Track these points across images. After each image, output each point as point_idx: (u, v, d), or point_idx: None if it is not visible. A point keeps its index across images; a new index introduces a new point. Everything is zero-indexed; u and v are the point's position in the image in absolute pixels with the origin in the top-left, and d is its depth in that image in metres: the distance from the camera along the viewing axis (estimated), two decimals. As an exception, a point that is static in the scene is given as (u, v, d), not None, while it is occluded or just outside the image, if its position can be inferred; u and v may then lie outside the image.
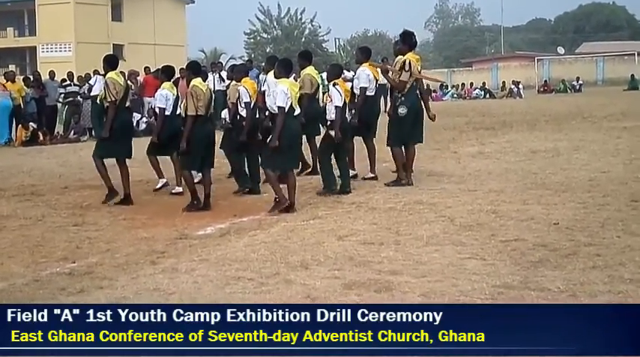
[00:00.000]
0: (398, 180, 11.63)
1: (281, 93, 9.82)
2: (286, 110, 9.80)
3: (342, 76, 12.02)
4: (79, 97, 22.89)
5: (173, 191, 12.02)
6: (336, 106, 11.15)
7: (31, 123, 21.60)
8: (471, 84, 45.39)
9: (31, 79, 23.67)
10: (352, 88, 12.21)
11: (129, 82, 13.56)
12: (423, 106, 12.01)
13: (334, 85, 11.36)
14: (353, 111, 11.77)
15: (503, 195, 10.52)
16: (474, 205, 9.86)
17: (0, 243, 8.76)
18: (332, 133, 11.19)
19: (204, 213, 10.20)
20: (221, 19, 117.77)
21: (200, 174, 11.08)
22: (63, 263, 7.71)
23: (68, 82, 23.73)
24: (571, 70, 55.91)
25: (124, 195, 11.15)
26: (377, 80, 12.41)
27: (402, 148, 11.70)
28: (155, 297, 6.38)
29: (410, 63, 11.37)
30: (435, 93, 41.51)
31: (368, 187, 11.45)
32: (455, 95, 41.90)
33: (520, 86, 43.68)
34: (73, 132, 22.55)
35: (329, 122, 11.37)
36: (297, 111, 10.09)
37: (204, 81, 10.64)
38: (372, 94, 12.37)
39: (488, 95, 42.80)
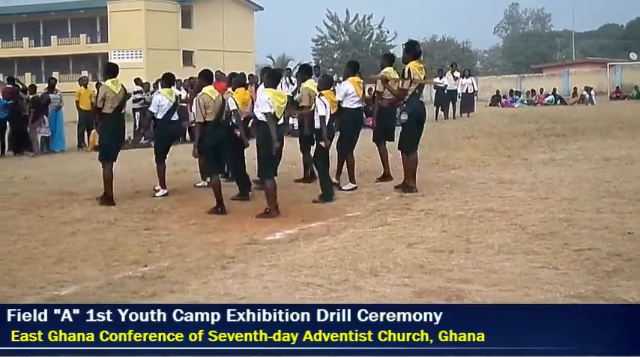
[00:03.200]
0: (405, 185, 11.81)
1: (264, 102, 10.29)
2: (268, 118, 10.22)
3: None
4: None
5: (198, 184, 12.97)
6: (320, 116, 11.55)
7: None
8: (542, 90, 44.76)
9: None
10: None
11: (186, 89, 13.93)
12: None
13: (320, 95, 11.73)
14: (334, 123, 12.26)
15: (576, 203, 10.33)
16: (546, 213, 9.70)
17: (74, 246, 8.93)
18: (322, 143, 11.60)
19: (273, 219, 10.22)
20: (289, 25, 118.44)
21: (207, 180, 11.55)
22: (135, 267, 7.82)
23: (139, 88, 24.06)
24: (644, 76, 54.77)
25: (104, 194, 11.76)
26: (361, 95, 12.75)
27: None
28: (225, 301, 6.41)
29: (410, 71, 11.58)
30: (505, 99, 41.02)
31: (437, 195, 11.34)
32: (525, 101, 41.33)
33: (592, 92, 42.94)
34: (144, 137, 22.85)
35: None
36: (281, 121, 10.53)
37: (276, 86, 10.73)
38: (354, 107, 12.58)
39: (559, 101, 42.15)
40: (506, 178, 12.80)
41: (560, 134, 21.42)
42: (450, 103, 29.19)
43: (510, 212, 9.82)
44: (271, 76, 10.84)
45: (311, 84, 13.20)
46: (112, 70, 12.23)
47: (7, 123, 20.52)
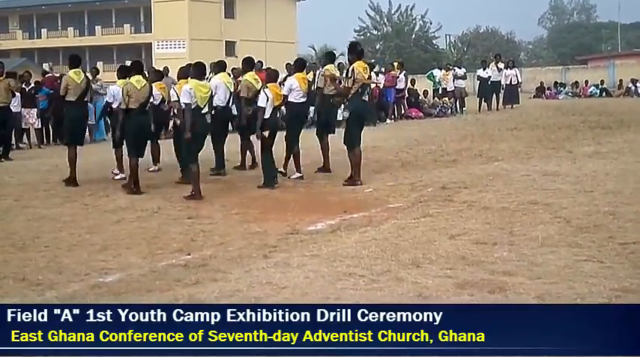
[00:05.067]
0: (354, 181, 12.11)
1: (185, 92, 11.13)
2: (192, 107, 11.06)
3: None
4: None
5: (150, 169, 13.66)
6: (259, 107, 12.07)
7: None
8: (586, 82, 44.21)
9: (147, 74, 24.18)
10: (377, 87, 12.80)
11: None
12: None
13: (265, 88, 12.27)
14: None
15: (621, 196, 10.20)
16: (591, 206, 9.59)
17: (118, 234, 9.02)
18: (259, 133, 12.07)
19: (315, 208, 10.24)
20: (331, 16, 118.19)
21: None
22: (178, 255, 7.88)
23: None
24: (692, 68, 53.86)
25: (70, 176, 12.64)
26: (305, 90, 13.29)
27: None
28: (267, 290, 6.46)
29: (353, 70, 11.97)
30: (549, 91, 40.58)
31: (480, 187, 11.27)
32: (570, 93, 40.86)
33: (638, 84, 42.30)
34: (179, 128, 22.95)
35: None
36: (205, 110, 11.27)
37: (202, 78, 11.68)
38: (298, 101, 13.18)
39: (604, 94, 41.60)
40: (550, 171, 12.67)
41: (606, 127, 21.15)
42: (494, 95, 28.95)
43: (554, 205, 9.73)
44: (197, 68, 11.65)
45: (250, 76, 13.67)
46: (74, 61, 13.24)
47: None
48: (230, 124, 14.82)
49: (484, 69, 28.96)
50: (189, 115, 11.10)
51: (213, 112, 12.18)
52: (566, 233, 8.21)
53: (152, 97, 12.43)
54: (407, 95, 26.51)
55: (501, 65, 29.12)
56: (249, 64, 13.95)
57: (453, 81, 27.68)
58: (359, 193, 11.47)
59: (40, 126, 20.49)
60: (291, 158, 13.25)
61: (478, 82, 29.91)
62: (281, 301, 6.00)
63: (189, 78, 11.94)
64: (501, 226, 8.67)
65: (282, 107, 13.32)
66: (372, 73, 23.69)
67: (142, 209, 10.50)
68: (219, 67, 14.23)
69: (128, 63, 14.25)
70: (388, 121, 24.47)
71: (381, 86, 24.35)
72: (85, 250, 8.26)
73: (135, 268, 7.43)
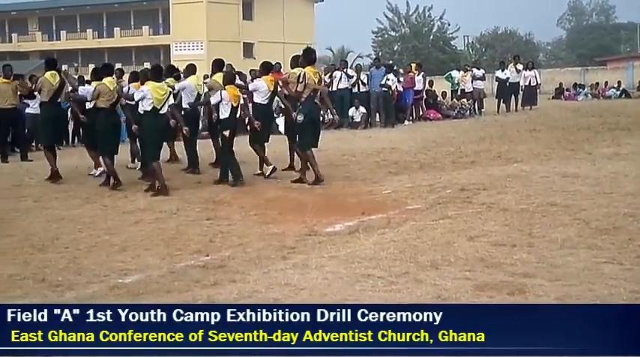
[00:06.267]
0: (300, 179, 12.63)
1: (140, 92, 12.10)
2: (149, 110, 11.93)
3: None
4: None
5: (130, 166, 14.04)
6: (213, 105, 12.82)
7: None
8: (606, 83, 43.96)
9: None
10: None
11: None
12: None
13: (222, 89, 12.73)
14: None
15: (642, 198, 10.13)
16: (610, 208, 9.53)
17: (137, 235, 9.06)
18: (226, 133, 12.63)
19: (333, 210, 10.24)
20: (349, 17, 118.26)
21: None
22: (197, 256, 7.91)
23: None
24: None
25: (51, 172, 13.41)
26: (272, 91, 13.80)
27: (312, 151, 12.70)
28: (286, 292, 6.46)
29: (305, 75, 12.46)
30: (568, 92, 40.37)
31: (499, 188, 11.23)
32: (589, 95, 40.64)
33: (657, 86, 42.05)
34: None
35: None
36: (163, 111, 12.08)
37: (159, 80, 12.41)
38: (264, 102, 13.74)
39: (623, 95, 41.36)
40: (569, 172, 12.60)
41: (625, 128, 21.01)
42: (513, 96, 28.84)
43: (574, 207, 9.68)
44: (154, 71, 12.63)
45: (266, 79, 13.87)
46: (50, 64, 14.06)
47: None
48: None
49: (503, 70, 28.84)
50: (151, 117, 11.95)
51: (182, 112, 13.27)
52: (585, 235, 8.17)
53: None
54: (425, 97, 26.44)
55: (520, 66, 28.99)
56: (266, 67, 14.19)
57: (472, 82, 27.58)
58: (377, 194, 11.45)
59: None
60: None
61: (497, 83, 29.79)
62: (300, 303, 6.00)
63: (150, 80, 12.36)
64: (520, 227, 8.63)
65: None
66: (391, 75, 23.78)
67: (160, 210, 10.54)
68: (190, 70, 14.92)
69: (148, 65, 14.45)
70: (406, 122, 24.44)
71: (400, 88, 24.34)
72: (105, 251, 8.31)
73: (154, 269, 7.46)
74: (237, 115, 12.76)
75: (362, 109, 23.11)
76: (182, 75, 15.15)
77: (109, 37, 70.48)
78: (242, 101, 12.89)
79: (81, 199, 11.61)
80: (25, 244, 8.73)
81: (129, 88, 13.58)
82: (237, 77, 14.01)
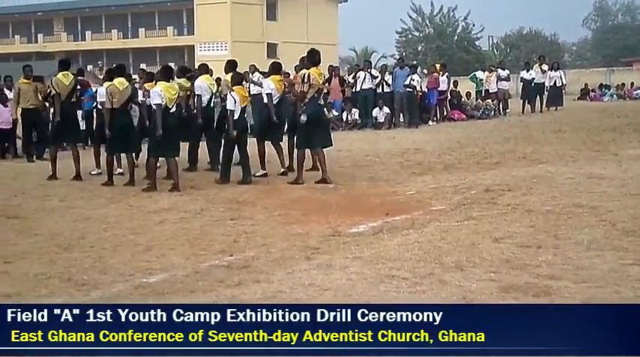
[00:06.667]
0: (296, 180, 12.76)
1: (156, 94, 12.18)
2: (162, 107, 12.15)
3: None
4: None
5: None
6: (229, 110, 12.91)
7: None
8: (632, 84, 43.60)
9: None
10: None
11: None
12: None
13: (231, 91, 13.02)
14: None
15: (669, 200, 10.03)
16: (637, 209, 9.44)
17: (161, 235, 9.09)
18: (234, 133, 12.86)
19: (357, 210, 10.22)
20: (373, 17, 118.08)
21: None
22: (221, 256, 7.92)
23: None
24: None
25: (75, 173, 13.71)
26: (281, 92, 14.02)
27: (307, 151, 12.98)
28: (310, 292, 6.45)
29: (309, 76, 12.63)
30: (594, 92, 40.10)
31: (524, 189, 11.16)
32: (614, 95, 40.33)
33: (684, 87, 41.64)
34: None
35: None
36: (173, 109, 12.39)
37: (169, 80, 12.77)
38: (274, 103, 13.85)
39: (649, 96, 40.99)
40: (595, 174, 12.51)
41: (652, 129, 20.86)
42: (538, 97, 28.68)
43: (600, 208, 9.60)
44: (164, 71, 12.86)
45: (273, 79, 14.10)
46: (63, 64, 14.24)
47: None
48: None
49: (528, 71, 28.69)
50: (160, 115, 12.11)
51: (195, 111, 14.03)
52: (612, 237, 8.09)
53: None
54: (449, 97, 26.38)
55: (545, 67, 28.82)
56: (275, 68, 14.47)
57: (496, 83, 27.48)
58: (401, 195, 11.43)
59: (84, 128, 20.67)
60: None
61: (521, 83, 29.65)
62: (324, 303, 6.00)
63: (160, 80, 12.67)
64: (546, 229, 8.57)
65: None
66: (415, 75, 23.74)
67: (184, 210, 10.57)
68: (202, 70, 15.31)
69: (171, 65, 14.62)
70: (431, 123, 24.38)
71: (424, 88, 24.29)
72: (130, 250, 8.34)
73: (178, 268, 7.48)
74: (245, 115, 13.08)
75: (386, 110, 23.08)
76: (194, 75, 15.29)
77: (133, 37, 70.86)
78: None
79: (106, 199, 11.68)
80: (51, 243, 8.79)
81: (143, 88, 13.69)
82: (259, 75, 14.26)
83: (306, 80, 12.69)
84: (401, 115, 23.73)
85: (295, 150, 13.26)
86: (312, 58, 13.01)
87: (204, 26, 63.09)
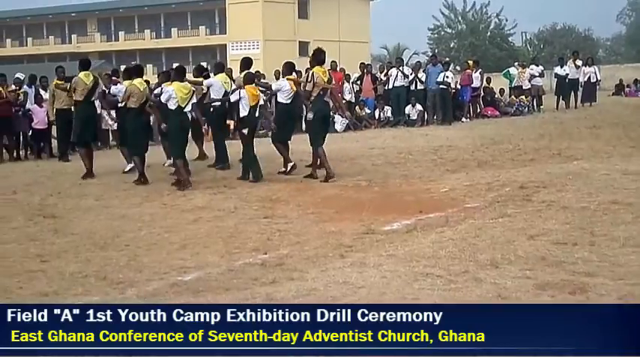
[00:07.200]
0: (311, 175, 13.02)
1: (166, 92, 12.56)
2: (174, 109, 12.48)
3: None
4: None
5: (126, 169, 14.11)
6: (233, 102, 13.23)
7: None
8: (667, 79, 43.10)
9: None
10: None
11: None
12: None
13: (241, 88, 13.17)
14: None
15: None
16: (674, 205, 9.34)
17: (196, 233, 9.14)
18: (244, 131, 13.04)
19: (390, 208, 10.21)
20: (405, 14, 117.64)
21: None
22: (255, 254, 7.96)
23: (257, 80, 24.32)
24: None
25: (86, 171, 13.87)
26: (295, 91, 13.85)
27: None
28: (344, 290, 6.45)
29: (313, 75, 12.89)
30: (629, 88, 39.67)
31: (559, 186, 11.07)
32: (649, 91, 39.86)
33: None
34: (261, 126, 23.07)
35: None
36: (187, 109, 12.71)
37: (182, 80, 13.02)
38: (287, 102, 13.86)
39: (685, 91, 40.49)
40: (630, 170, 12.35)
41: (688, 124, 20.60)
42: (572, 92, 28.42)
43: (636, 204, 9.48)
44: (177, 71, 13.24)
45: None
46: (84, 64, 14.66)
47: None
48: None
49: (561, 66, 28.41)
50: (173, 113, 12.50)
51: (211, 109, 14.33)
52: (649, 233, 8.01)
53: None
54: (482, 94, 26.20)
55: (579, 62, 28.52)
56: (289, 67, 14.39)
57: (530, 79, 27.27)
58: (435, 193, 11.39)
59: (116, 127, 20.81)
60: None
61: (555, 79, 29.38)
62: (358, 301, 6.00)
63: (174, 81, 12.97)
64: (582, 226, 8.49)
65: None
66: (449, 72, 23.63)
67: (218, 209, 10.62)
68: (218, 68, 15.56)
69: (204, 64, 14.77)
70: (464, 120, 24.23)
71: (457, 85, 24.18)
72: (164, 248, 8.40)
73: (213, 266, 7.52)
74: (256, 114, 13.21)
75: (418, 107, 22.99)
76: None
77: (166, 37, 71.20)
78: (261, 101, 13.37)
79: (140, 198, 11.76)
80: (86, 242, 8.87)
81: (161, 88, 13.78)
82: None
83: (310, 79, 12.95)
84: (434, 112, 23.62)
85: (313, 150, 13.23)
86: (318, 57, 13.23)
87: (237, 25, 63.33)
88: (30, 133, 18.62)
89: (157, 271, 7.40)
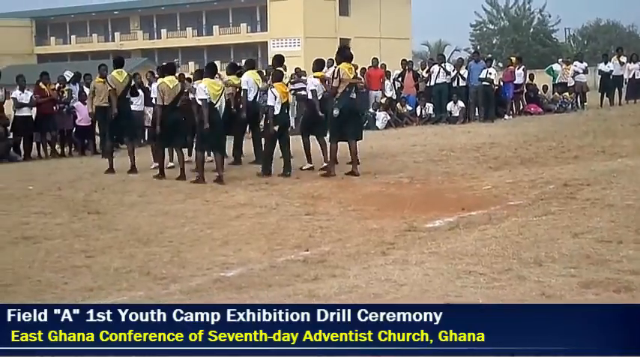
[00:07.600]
0: (328, 171, 13.10)
1: (201, 90, 12.69)
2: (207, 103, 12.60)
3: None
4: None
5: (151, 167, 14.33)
6: (269, 106, 13.24)
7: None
8: None
9: (264, 73, 24.47)
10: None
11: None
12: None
13: (271, 87, 13.38)
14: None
15: None
16: None
17: (238, 230, 9.19)
18: (275, 128, 13.19)
19: (432, 205, 10.16)
20: (447, 11, 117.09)
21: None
22: (297, 251, 7.97)
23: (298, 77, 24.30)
24: None
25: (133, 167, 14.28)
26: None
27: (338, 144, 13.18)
28: (386, 287, 6.45)
29: (339, 71, 12.97)
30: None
31: (604, 184, 10.93)
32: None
33: None
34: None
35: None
36: (218, 105, 12.90)
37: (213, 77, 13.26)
38: (319, 98, 13.96)
39: None
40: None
41: None
42: (616, 89, 28.07)
43: (683, 203, 9.36)
44: (209, 69, 13.51)
45: (252, 74, 14.87)
46: (118, 63, 14.92)
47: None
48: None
49: (606, 63, 28.08)
50: (206, 110, 12.56)
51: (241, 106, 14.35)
52: (696, 232, 7.89)
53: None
54: (525, 90, 25.98)
55: (624, 59, 28.15)
56: (318, 65, 14.61)
57: (574, 76, 26.98)
58: (477, 190, 11.33)
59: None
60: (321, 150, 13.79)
61: (599, 76, 29.03)
62: (400, 299, 6.01)
63: (204, 77, 13.29)
64: (627, 224, 8.38)
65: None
66: (491, 69, 23.47)
67: (260, 205, 10.66)
68: (249, 65, 15.66)
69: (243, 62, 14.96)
70: (507, 116, 24.07)
71: (500, 82, 24.01)
72: (207, 245, 8.45)
73: (255, 263, 7.55)
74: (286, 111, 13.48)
75: (460, 104, 22.87)
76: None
77: (208, 35, 71.58)
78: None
79: (183, 194, 11.85)
80: (130, 237, 8.96)
81: (193, 86, 13.99)
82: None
83: (336, 75, 13.01)
84: (476, 109, 23.48)
85: (330, 144, 13.36)
86: (343, 53, 13.40)
87: (278, 23, 63.48)
88: (74, 130, 18.88)
89: (199, 267, 7.45)
